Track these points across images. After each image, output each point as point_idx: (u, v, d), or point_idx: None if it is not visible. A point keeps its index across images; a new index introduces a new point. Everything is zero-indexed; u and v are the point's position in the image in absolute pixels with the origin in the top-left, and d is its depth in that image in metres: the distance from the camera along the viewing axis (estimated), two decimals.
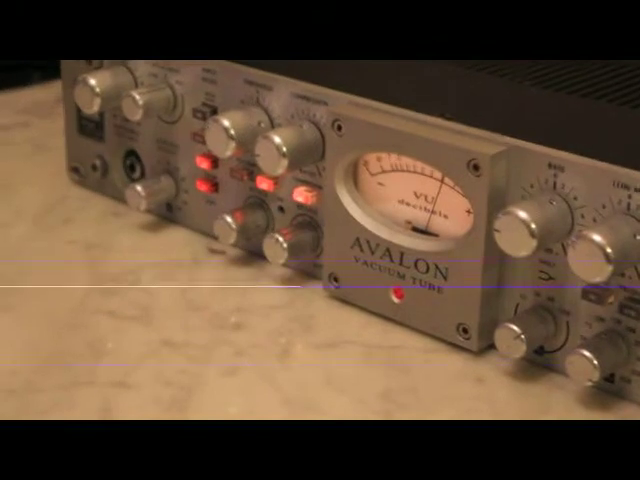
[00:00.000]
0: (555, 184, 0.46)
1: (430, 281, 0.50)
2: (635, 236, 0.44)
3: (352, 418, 0.46)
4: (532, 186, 0.47)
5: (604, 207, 0.45)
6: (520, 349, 0.46)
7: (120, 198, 0.61)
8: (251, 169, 0.56)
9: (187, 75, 0.57)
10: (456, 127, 0.48)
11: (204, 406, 0.46)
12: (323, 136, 0.52)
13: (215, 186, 0.58)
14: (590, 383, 0.45)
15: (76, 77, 0.59)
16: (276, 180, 0.55)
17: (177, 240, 0.59)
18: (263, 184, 0.55)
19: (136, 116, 0.57)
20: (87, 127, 0.63)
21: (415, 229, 0.51)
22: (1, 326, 0.51)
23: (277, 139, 0.51)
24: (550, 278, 0.47)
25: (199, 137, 0.56)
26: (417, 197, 0.50)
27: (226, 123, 0.53)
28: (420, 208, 0.50)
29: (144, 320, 0.52)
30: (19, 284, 0.54)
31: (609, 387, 0.47)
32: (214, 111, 0.56)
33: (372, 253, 0.51)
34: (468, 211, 0.48)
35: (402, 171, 0.51)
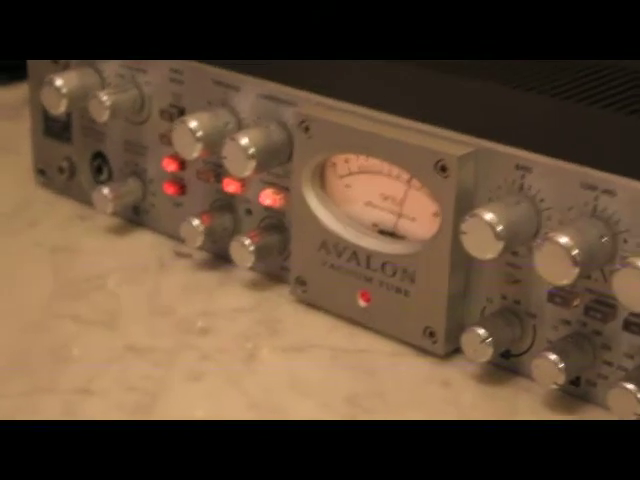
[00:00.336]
0: (522, 185, 0.46)
1: (397, 284, 0.49)
2: (601, 238, 0.43)
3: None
4: (499, 188, 0.46)
5: (571, 209, 0.45)
6: (487, 353, 0.46)
7: (87, 201, 0.61)
8: (218, 171, 0.55)
9: (154, 76, 0.57)
10: (424, 128, 0.48)
11: (169, 411, 0.46)
12: (291, 137, 0.52)
13: (182, 188, 0.57)
14: (556, 386, 0.45)
15: (43, 78, 0.58)
16: (243, 182, 0.54)
17: (143, 243, 0.58)
18: (230, 186, 0.55)
19: (103, 117, 0.56)
20: (54, 128, 0.62)
21: (382, 232, 0.50)
22: None
23: (244, 140, 0.51)
24: (516, 281, 0.47)
25: (167, 138, 0.56)
26: (384, 199, 0.50)
27: (193, 124, 0.52)
28: (387, 211, 0.50)
29: (109, 325, 0.52)
30: None
31: (575, 390, 0.46)
32: (181, 112, 0.56)
33: (339, 256, 0.51)
34: (435, 214, 0.48)
35: (369, 173, 0.50)
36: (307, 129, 0.50)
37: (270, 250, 0.54)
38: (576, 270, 0.42)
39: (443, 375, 0.48)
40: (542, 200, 0.45)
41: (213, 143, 0.53)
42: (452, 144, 0.47)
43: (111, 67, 0.58)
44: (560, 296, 0.45)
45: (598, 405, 0.46)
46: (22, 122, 0.67)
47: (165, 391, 0.47)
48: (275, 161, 0.52)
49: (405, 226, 0.50)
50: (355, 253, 0.50)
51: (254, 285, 0.55)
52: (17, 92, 0.75)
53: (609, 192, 0.43)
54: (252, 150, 0.51)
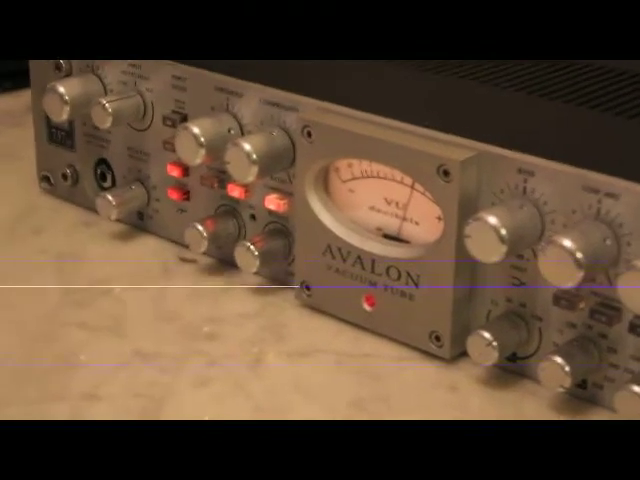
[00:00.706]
0: (525, 189, 0.46)
1: (402, 288, 0.49)
2: (605, 241, 0.44)
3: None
4: (502, 191, 0.46)
5: (574, 212, 0.45)
6: (492, 356, 0.46)
7: (91, 207, 0.61)
8: (222, 177, 0.55)
9: (157, 82, 0.57)
10: (426, 133, 0.48)
11: (176, 416, 0.46)
12: (293, 143, 0.52)
13: (186, 194, 0.57)
14: (562, 389, 0.45)
15: (45, 85, 0.58)
16: (247, 187, 0.54)
17: (148, 249, 0.59)
18: (234, 192, 0.55)
19: (106, 124, 0.57)
20: (57, 136, 0.62)
21: (386, 236, 0.50)
22: None
23: (247, 146, 0.51)
24: (521, 284, 0.47)
25: (169, 145, 0.56)
26: (388, 204, 0.50)
27: (195, 130, 0.52)
28: (391, 215, 0.50)
29: (115, 331, 0.52)
30: None
31: (581, 393, 0.46)
32: (184, 118, 0.56)
33: (343, 260, 0.51)
34: (439, 217, 0.48)
35: (373, 177, 0.50)
36: (310, 134, 0.50)
37: (275, 255, 0.54)
38: (580, 273, 0.42)
39: (449, 379, 0.48)
40: (545, 203, 0.45)
41: (216, 149, 0.53)
42: (454, 148, 0.47)
43: (113, 74, 0.58)
44: (565, 299, 0.45)
45: (605, 408, 0.46)
46: (26, 129, 0.67)
47: (172, 396, 0.47)
48: (278, 166, 0.52)
49: (409, 230, 0.50)
50: (359, 257, 0.50)
51: (259, 290, 0.55)
52: (21, 99, 0.75)
53: (612, 195, 0.44)
54: (255, 156, 0.51)
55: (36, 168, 0.64)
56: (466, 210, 0.47)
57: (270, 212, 0.54)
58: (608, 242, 0.44)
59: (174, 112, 0.56)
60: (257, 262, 0.53)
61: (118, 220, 0.60)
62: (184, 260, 0.57)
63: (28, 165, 0.65)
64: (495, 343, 0.46)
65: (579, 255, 0.42)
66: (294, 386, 0.48)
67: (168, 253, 0.58)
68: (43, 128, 0.63)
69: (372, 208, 0.51)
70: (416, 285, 0.49)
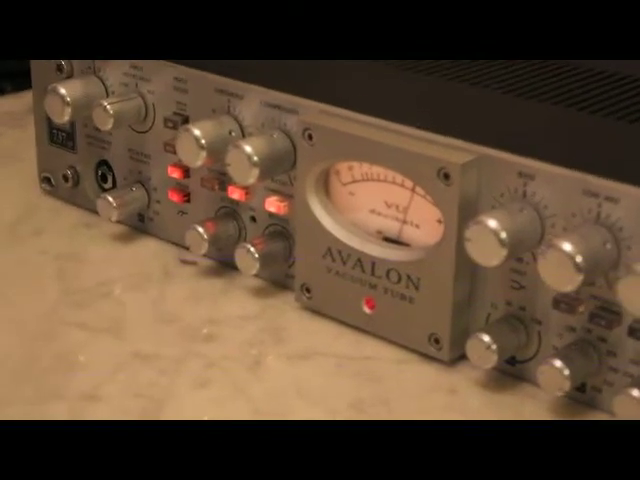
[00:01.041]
0: (525, 193, 0.46)
1: (402, 291, 0.49)
2: (605, 245, 0.44)
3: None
4: (502, 195, 0.46)
5: (574, 216, 0.45)
6: (491, 359, 0.46)
7: (92, 208, 0.61)
8: (222, 179, 0.55)
9: (158, 84, 0.57)
10: (427, 136, 0.48)
11: (174, 418, 0.46)
12: (294, 145, 0.52)
13: (187, 196, 0.57)
14: (561, 393, 0.45)
15: (47, 86, 0.58)
16: (247, 190, 0.54)
17: (148, 251, 0.59)
18: (235, 194, 0.55)
19: (107, 125, 0.57)
20: (58, 137, 0.62)
21: (386, 239, 0.50)
22: None
23: (248, 148, 0.51)
24: (521, 287, 0.47)
25: (170, 147, 0.56)
26: (388, 207, 0.50)
27: (196, 132, 0.52)
28: (391, 218, 0.50)
29: (115, 332, 0.52)
30: None
31: (580, 397, 0.46)
32: (185, 120, 0.56)
33: (344, 263, 0.51)
34: (439, 221, 0.48)
35: (373, 180, 0.50)
36: (310, 137, 0.50)
37: (275, 257, 0.54)
38: (580, 277, 0.42)
39: (448, 382, 0.48)
40: (545, 207, 0.45)
41: (217, 151, 0.53)
42: (455, 152, 0.47)
43: (114, 76, 0.58)
44: (565, 302, 0.45)
45: (604, 411, 0.46)
46: (27, 130, 0.68)
47: (171, 398, 0.47)
48: (279, 169, 0.52)
49: (409, 233, 0.50)
50: (360, 260, 0.50)
51: (259, 292, 0.55)
52: (22, 101, 0.75)
53: (612, 199, 0.44)
54: (256, 158, 0.51)
55: (37, 169, 0.64)
56: (466, 213, 0.47)
57: (270, 214, 0.54)
58: (608, 246, 0.44)
59: (175, 114, 0.56)
60: (257, 264, 0.53)
61: (119, 221, 0.60)
62: (184, 262, 0.58)
63: (29, 166, 0.65)
64: (494, 346, 0.46)
65: (579, 259, 0.42)
66: (294, 389, 0.48)
67: (168, 255, 0.58)
68: (44, 129, 0.63)
69: (372, 211, 0.51)
70: (416, 288, 0.49)
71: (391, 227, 0.50)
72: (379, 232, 0.51)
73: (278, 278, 0.55)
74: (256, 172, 0.51)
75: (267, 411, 0.46)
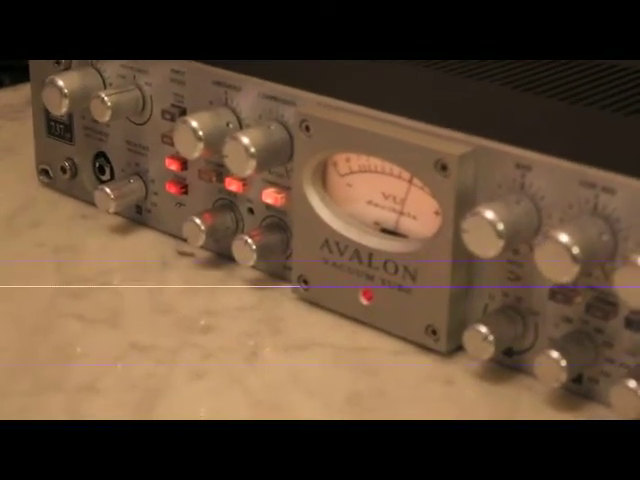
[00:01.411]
0: (522, 184, 0.46)
1: (399, 282, 0.49)
2: (601, 236, 0.44)
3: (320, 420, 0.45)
4: (500, 186, 0.47)
5: (571, 207, 0.45)
6: (488, 350, 0.46)
7: (89, 200, 0.61)
8: (220, 170, 0.55)
9: (156, 76, 0.57)
10: (424, 127, 0.48)
11: (171, 409, 0.46)
12: (291, 137, 0.52)
13: (184, 188, 0.57)
14: (558, 384, 0.45)
15: (45, 78, 0.58)
16: (245, 181, 0.54)
17: (146, 242, 0.59)
18: (232, 185, 0.55)
19: (105, 117, 0.57)
20: (56, 129, 0.62)
21: (384, 230, 0.51)
22: None
23: (245, 140, 0.51)
24: (518, 278, 0.47)
25: (168, 138, 0.56)
26: (386, 198, 0.50)
27: (194, 124, 0.52)
28: (389, 209, 0.50)
29: (112, 323, 0.52)
30: None
31: (577, 388, 0.46)
32: (183, 112, 0.56)
33: (341, 254, 0.51)
34: (436, 212, 0.48)
35: (371, 172, 0.50)
36: (308, 128, 0.50)
37: (272, 249, 0.54)
38: (576, 268, 0.42)
39: (445, 373, 0.48)
40: (542, 198, 0.45)
41: (214, 143, 0.53)
42: (452, 143, 0.47)
43: (112, 68, 0.58)
44: (562, 293, 0.45)
45: (601, 403, 0.46)
46: (25, 123, 0.68)
47: (168, 389, 0.47)
48: (276, 160, 0.52)
49: (406, 224, 0.50)
50: (357, 251, 0.50)
51: (256, 284, 0.55)
52: (20, 93, 0.75)
53: (609, 190, 0.44)
54: (253, 149, 0.51)
55: (35, 161, 0.64)
56: (463, 205, 0.47)
57: (268, 206, 0.54)
58: (605, 237, 0.44)
59: (173, 106, 0.56)
60: (254, 256, 0.53)
61: (116, 213, 0.60)
62: (182, 253, 0.58)
63: (27, 158, 0.65)
64: (491, 337, 0.46)
65: (575, 250, 0.42)
66: (291, 380, 0.48)
67: (166, 246, 0.58)
68: (42, 121, 0.63)
69: (370, 202, 0.51)
70: (413, 279, 0.49)
71: (388, 218, 0.50)
72: (376, 223, 0.51)
73: (275, 269, 0.55)
74: (253, 164, 0.51)
75: (264, 402, 0.47)
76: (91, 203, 0.60)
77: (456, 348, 0.49)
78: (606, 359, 0.45)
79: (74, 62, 0.60)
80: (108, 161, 0.61)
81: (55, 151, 0.63)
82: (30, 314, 0.52)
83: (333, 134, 0.50)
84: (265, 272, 0.55)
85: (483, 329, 0.46)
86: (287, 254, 0.54)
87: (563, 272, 0.43)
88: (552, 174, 0.45)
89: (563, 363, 0.44)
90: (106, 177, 0.61)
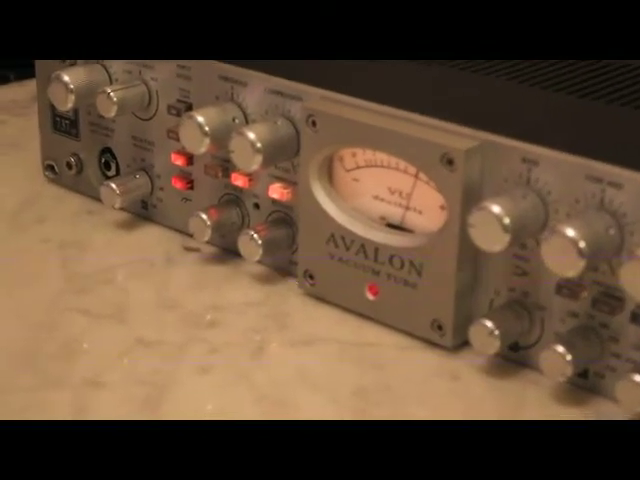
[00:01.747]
0: (529, 179, 0.46)
1: (405, 277, 0.49)
2: (608, 230, 0.44)
3: (326, 416, 0.45)
4: (506, 181, 0.46)
5: (578, 201, 0.45)
6: (494, 345, 0.46)
7: (95, 196, 0.61)
8: (226, 166, 0.55)
9: (162, 72, 0.57)
10: (430, 122, 0.48)
11: (177, 405, 0.46)
12: (298, 132, 0.52)
13: (190, 183, 0.57)
14: (564, 379, 0.45)
15: (50, 74, 0.58)
16: (251, 177, 0.54)
17: (152, 238, 0.59)
18: (238, 181, 0.55)
19: (110, 113, 0.57)
20: (62, 124, 0.62)
21: (390, 225, 0.50)
22: None
23: (251, 135, 0.51)
24: (524, 273, 0.47)
25: (174, 134, 0.56)
26: (392, 193, 0.50)
27: (200, 119, 0.52)
28: (394, 204, 0.50)
29: (118, 318, 0.52)
30: None
31: (583, 383, 0.46)
32: (189, 107, 0.56)
33: (347, 249, 0.51)
34: (442, 207, 0.48)
35: (377, 167, 0.50)
36: (314, 123, 0.50)
37: (278, 244, 0.54)
38: (583, 262, 0.42)
39: (451, 368, 0.48)
40: (549, 193, 0.45)
41: (221, 138, 0.53)
42: (458, 138, 0.47)
43: (118, 63, 0.58)
44: (568, 288, 0.45)
45: (606, 397, 0.46)
46: (31, 118, 0.68)
47: (174, 384, 0.47)
48: (282, 155, 0.52)
49: (413, 219, 0.50)
50: (363, 246, 0.50)
51: (262, 279, 0.55)
52: (26, 89, 0.75)
53: (615, 185, 0.44)
54: (259, 145, 0.51)
55: (40, 157, 0.64)
56: (470, 199, 0.47)
57: (274, 201, 0.54)
58: (611, 231, 0.44)
59: (179, 101, 0.56)
60: (260, 251, 0.53)
61: (122, 209, 0.60)
62: (188, 249, 0.58)
63: (33, 154, 0.65)
64: (497, 332, 0.46)
65: (582, 244, 0.42)
66: (297, 375, 0.48)
67: (172, 242, 0.58)
68: (48, 117, 0.63)
69: (376, 197, 0.51)
70: (419, 274, 0.49)
71: (394, 213, 0.50)
72: (382, 218, 0.51)
73: (281, 265, 0.55)
74: (259, 159, 0.51)
75: (269, 398, 0.47)
76: (97, 199, 0.60)
77: (462, 343, 0.49)
78: (612, 354, 0.45)
79: None
80: (114, 157, 0.61)
81: (61, 147, 0.63)
82: (36, 309, 0.52)
83: (339, 129, 0.50)
84: (271, 267, 0.55)
85: (489, 324, 0.46)
86: (293, 249, 0.54)
87: (569, 267, 0.43)
88: (558, 168, 0.45)
89: (569, 358, 0.44)
90: (112, 173, 0.61)
